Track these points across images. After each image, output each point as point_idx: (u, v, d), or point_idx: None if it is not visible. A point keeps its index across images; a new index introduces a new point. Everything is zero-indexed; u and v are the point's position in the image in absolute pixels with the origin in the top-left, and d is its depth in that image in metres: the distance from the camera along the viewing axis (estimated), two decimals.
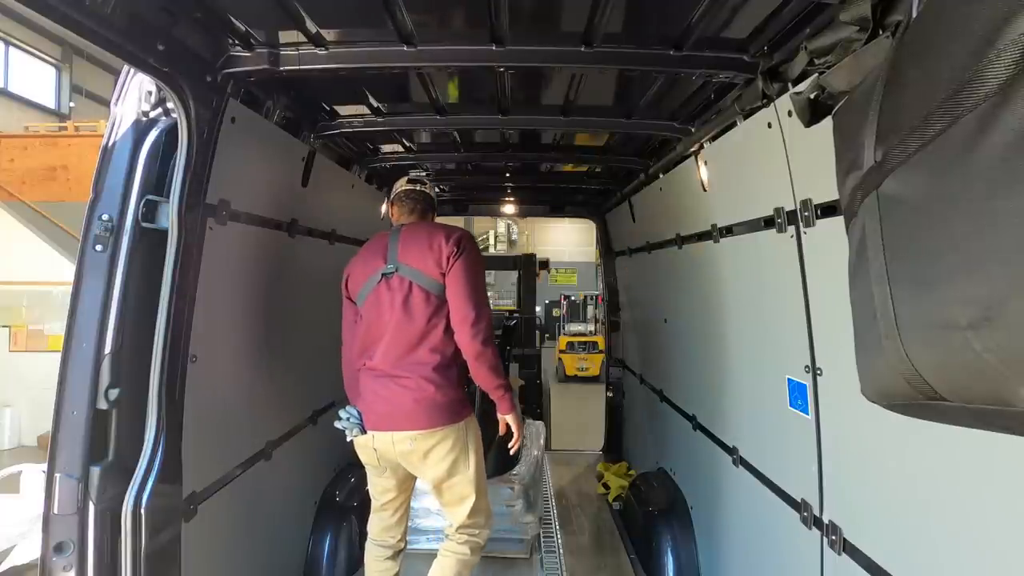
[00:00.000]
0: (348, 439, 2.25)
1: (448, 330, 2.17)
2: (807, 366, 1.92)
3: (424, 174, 2.55)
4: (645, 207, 3.89)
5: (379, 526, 2.40)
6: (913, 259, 0.77)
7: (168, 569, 1.80)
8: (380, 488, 2.34)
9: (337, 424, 2.24)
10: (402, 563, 2.50)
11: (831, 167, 1.01)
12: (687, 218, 3.07)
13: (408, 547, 3.44)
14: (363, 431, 2.19)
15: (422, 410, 2.11)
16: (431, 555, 3.38)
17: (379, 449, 2.19)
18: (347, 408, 2.24)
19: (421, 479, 2.31)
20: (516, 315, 5.98)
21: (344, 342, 2.41)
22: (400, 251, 2.21)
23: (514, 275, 7.82)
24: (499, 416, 2.30)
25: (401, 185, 2.44)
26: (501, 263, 9.29)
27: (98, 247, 1.71)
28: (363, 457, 2.27)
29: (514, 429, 2.31)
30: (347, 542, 3.07)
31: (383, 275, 2.21)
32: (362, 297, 2.26)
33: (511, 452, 2.41)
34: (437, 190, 4.80)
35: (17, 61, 13.18)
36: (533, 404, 5.33)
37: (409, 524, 2.55)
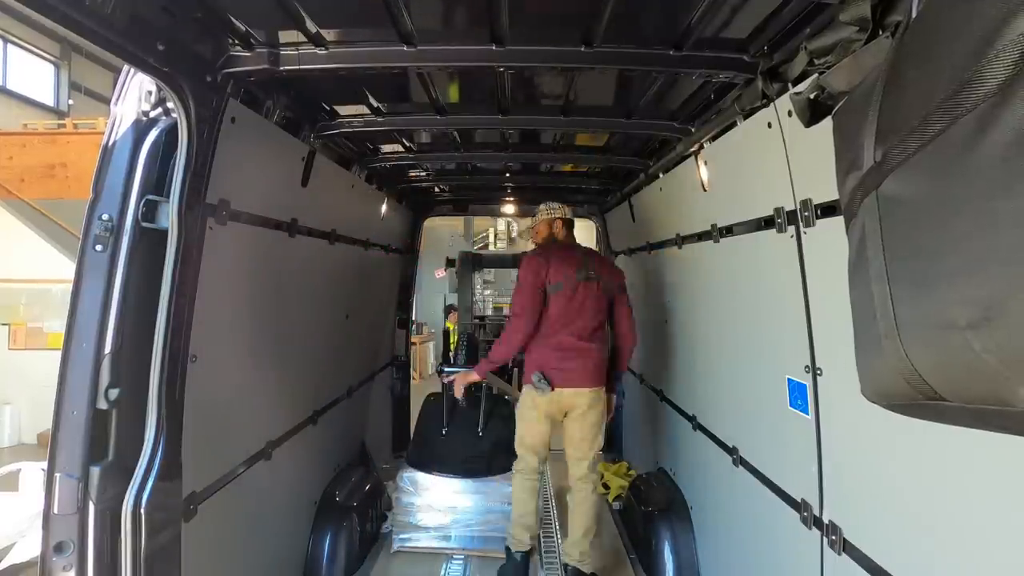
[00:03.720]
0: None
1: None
2: (807, 366, 1.92)
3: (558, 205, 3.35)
4: (645, 207, 3.89)
5: (532, 464, 3.14)
6: (913, 259, 0.77)
7: (168, 569, 1.80)
8: (541, 437, 3.12)
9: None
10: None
11: (831, 167, 1.01)
12: (687, 218, 3.07)
13: (409, 546, 3.48)
14: (551, 388, 2.97)
15: (599, 374, 3.06)
16: (433, 554, 3.40)
17: (562, 402, 3.00)
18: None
19: (577, 427, 3.05)
20: None
21: (525, 318, 3.03)
22: (595, 264, 3.14)
23: (514, 273, 7.77)
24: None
25: (556, 211, 3.27)
26: (500, 261, 9.24)
27: (98, 247, 1.71)
28: (547, 408, 3.03)
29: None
30: (347, 542, 3.08)
31: (585, 277, 3.04)
32: (557, 288, 3.01)
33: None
34: (436, 189, 4.82)
35: (16, 58, 13.16)
36: None
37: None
